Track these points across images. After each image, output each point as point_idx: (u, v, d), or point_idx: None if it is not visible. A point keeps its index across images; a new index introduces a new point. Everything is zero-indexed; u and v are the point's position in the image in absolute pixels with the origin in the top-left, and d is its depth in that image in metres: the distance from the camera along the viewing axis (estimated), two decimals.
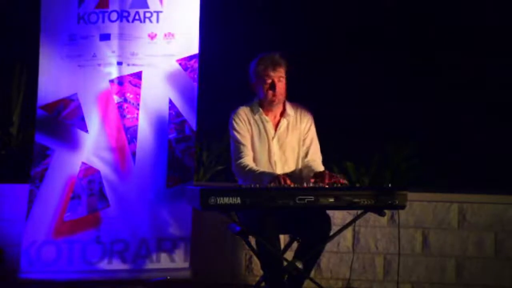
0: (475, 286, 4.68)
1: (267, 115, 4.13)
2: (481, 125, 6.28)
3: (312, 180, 3.86)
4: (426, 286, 4.72)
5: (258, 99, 4.14)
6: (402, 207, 3.63)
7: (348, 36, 6.74)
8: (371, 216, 4.62)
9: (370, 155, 5.56)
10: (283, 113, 4.14)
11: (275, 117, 4.15)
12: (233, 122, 4.13)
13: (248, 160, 4.05)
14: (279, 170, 4.04)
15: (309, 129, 4.17)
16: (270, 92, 4.05)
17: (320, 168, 4.06)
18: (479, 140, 6.15)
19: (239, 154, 4.07)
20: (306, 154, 4.14)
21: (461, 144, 6.22)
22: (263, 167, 4.06)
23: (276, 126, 4.13)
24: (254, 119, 4.13)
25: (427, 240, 4.73)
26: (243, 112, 4.14)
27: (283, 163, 4.10)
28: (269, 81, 4.04)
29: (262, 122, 4.12)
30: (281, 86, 4.06)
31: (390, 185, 3.64)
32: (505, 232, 4.69)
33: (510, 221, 4.69)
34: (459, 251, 4.71)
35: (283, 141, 4.12)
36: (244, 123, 4.11)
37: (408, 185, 4.97)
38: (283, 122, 4.13)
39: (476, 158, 6.00)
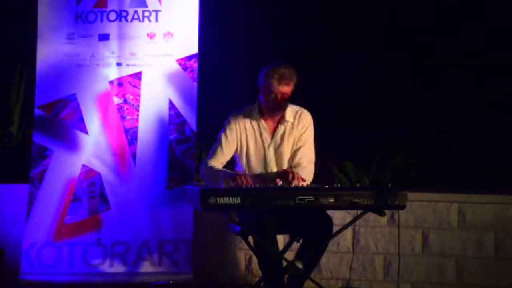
0: (475, 286, 4.67)
1: (265, 120, 4.10)
2: (481, 125, 6.28)
3: (278, 181, 3.84)
4: (426, 286, 4.71)
5: (259, 102, 4.11)
6: (402, 207, 3.63)
7: (348, 36, 6.73)
8: (371, 216, 4.61)
9: (370, 155, 5.55)
10: (281, 119, 4.10)
11: (273, 122, 4.11)
12: (227, 125, 4.11)
13: (215, 163, 4.05)
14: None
15: (304, 132, 4.12)
16: (272, 105, 3.99)
17: (302, 172, 3.99)
18: (479, 140, 6.15)
19: (212, 156, 4.08)
20: (294, 156, 4.11)
21: (461, 144, 6.21)
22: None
23: (273, 132, 4.10)
24: (252, 125, 4.10)
25: (427, 240, 4.72)
26: (241, 118, 4.10)
27: (279, 169, 4.08)
28: (273, 96, 3.97)
29: (260, 129, 4.09)
30: (283, 102, 4.00)
31: (390, 185, 3.63)
32: (505, 232, 4.68)
33: (510, 221, 4.68)
34: (459, 251, 4.70)
35: (278, 147, 4.09)
36: (238, 130, 4.09)
37: (408, 185, 4.96)
38: (280, 128, 4.10)
39: (476, 158, 5.99)
